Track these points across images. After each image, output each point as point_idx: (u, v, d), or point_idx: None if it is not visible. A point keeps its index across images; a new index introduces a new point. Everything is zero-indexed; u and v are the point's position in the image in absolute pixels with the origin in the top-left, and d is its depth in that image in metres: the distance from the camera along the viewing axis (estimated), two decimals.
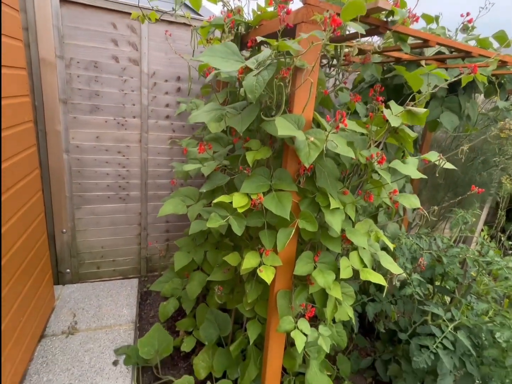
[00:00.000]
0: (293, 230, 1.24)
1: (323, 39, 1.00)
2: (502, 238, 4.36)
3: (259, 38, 1.06)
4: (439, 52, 1.85)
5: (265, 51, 1.13)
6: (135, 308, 2.39)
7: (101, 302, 2.41)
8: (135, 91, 2.50)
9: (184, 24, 2.49)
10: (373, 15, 1.20)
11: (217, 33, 2.40)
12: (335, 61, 2.16)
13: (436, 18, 1.69)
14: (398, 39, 1.32)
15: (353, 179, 1.51)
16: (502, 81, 2.05)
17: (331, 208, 1.20)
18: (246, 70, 1.19)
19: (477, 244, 4.14)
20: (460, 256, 1.84)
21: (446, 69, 1.82)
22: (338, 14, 1.00)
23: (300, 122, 1.15)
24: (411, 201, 1.35)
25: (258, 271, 1.25)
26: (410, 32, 1.27)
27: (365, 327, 2.59)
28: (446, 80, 1.28)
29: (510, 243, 4.45)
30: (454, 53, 1.75)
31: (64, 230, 2.55)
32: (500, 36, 1.84)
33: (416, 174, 1.22)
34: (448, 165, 1.26)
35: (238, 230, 1.25)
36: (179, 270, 1.84)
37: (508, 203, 4.32)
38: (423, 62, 1.61)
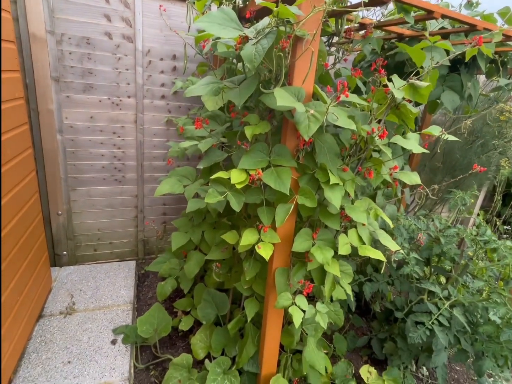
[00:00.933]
0: (292, 206, 1.22)
1: (325, 2, 0.95)
2: (498, 223, 4.40)
3: (258, 1, 1.02)
4: (442, 28, 1.80)
5: (264, 19, 1.09)
6: (133, 289, 2.39)
7: (98, 283, 2.41)
8: (129, 70, 2.43)
9: None
10: None
11: (214, 8, 2.32)
12: (335, 39, 2.11)
13: None
14: (402, 9, 1.27)
15: (353, 159, 1.49)
16: (506, 59, 2.01)
17: (330, 183, 1.18)
18: (245, 41, 1.15)
19: (473, 225, 4.17)
20: (459, 235, 1.84)
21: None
22: None
23: (300, 94, 1.12)
24: (411, 178, 1.34)
25: (256, 247, 1.24)
26: (414, 2, 1.23)
27: (362, 307, 2.63)
28: (448, 54, 1.25)
29: (505, 227, 4.50)
30: (458, 28, 1.71)
31: (60, 212, 2.52)
32: (505, 13, 1.79)
33: (418, 149, 1.20)
34: (451, 138, 1.24)
35: (236, 206, 1.23)
36: (177, 250, 1.83)
37: (504, 187, 4.34)
38: (426, 34, 1.56)
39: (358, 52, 2.46)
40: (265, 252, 1.22)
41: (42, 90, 2.20)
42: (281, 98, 1.04)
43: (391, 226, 1.44)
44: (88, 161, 2.52)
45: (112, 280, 2.47)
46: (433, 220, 2.06)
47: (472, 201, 2.19)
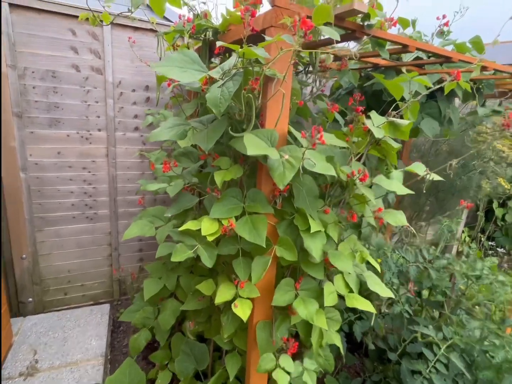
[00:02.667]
0: (270, 259, 1.11)
1: (293, 45, 0.88)
2: (482, 239, 4.41)
3: (219, 43, 0.93)
4: (417, 58, 1.78)
5: (231, 59, 1.00)
6: (106, 338, 2.18)
7: (67, 334, 2.19)
8: (99, 102, 2.31)
9: (151, 30, 2.34)
10: (349, 19, 1.10)
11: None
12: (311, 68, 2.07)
13: (413, 23, 1.62)
14: (376, 44, 1.22)
15: (335, 192, 1.40)
16: (480, 86, 2.01)
17: (311, 231, 1.07)
18: (211, 80, 1.06)
19: (458, 247, 4.14)
20: (449, 267, 1.76)
21: (424, 74, 1.75)
22: (310, 17, 0.89)
23: (273, 138, 1.03)
24: (397, 218, 1.25)
25: (233, 306, 1.10)
26: (388, 37, 1.18)
27: (353, 341, 2.49)
28: (429, 88, 1.20)
29: (489, 243, 4.50)
30: (432, 58, 1.69)
31: (24, 256, 2.31)
32: (476, 42, 1.79)
33: (402, 190, 1.12)
34: (436, 178, 1.17)
35: (208, 261, 1.11)
36: (150, 298, 1.67)
37: (486, 204, 4.37)
38: (403, 69, 1.53)
39: (335, 79, 2.44)
40: (242, 311, 1.09)
41: (3, 127, 2.05)
42: (252, 146, 0.94)
43: (379, 269, 1.34)
44: (56, 200, 2.35)
45: (82, 328, 2.25)
46: (421, 250, 1.98)
47: (458, 228, 2.13)
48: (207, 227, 1.08)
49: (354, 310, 2.02)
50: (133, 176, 2.55)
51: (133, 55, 2.31)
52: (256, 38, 1.13)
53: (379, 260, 1.85)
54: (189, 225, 1.10)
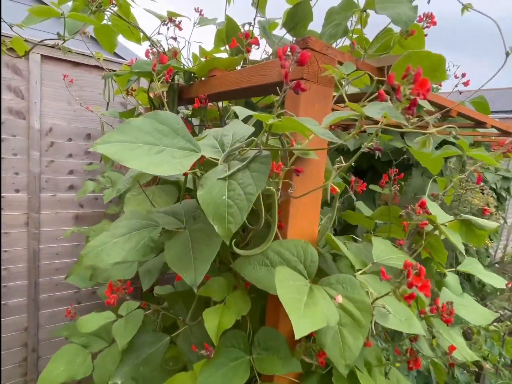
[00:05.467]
0: None
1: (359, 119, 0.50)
2: None
3: (236, 108, 0.52)
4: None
5: (239, 128, 0.59)
6: None
7: None
8: (19, 155, 1.72)
9: (97, 67, 1.87)
10: None
11: (145, 83, 1.84)
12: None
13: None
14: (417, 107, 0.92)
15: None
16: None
17: None
18: (200, 164, 0.63)
19: None
20: None
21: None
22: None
23: (307, 259, 0.61)
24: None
25: None
26: (437, 100, 0.88)
27: None
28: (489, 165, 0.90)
29: None
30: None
31: None
32: (479, 102, 1.64)
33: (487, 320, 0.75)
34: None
35: None
36: None
37: None
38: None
39: None
40: None
41: None
42: (279, 282, 0.51)
43: None
44: None
45: None
46: None
47: None
48: None
49: None
50: (65, 249, 1.92)
51: (71, 97, 1.80)
52: (256, 89, 0.75)
53: None
54: None
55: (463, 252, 0.77)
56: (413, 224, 0.80)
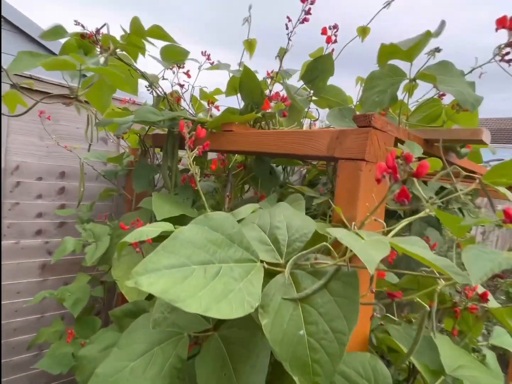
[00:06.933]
0: None
1: None
2: None
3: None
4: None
5: (296, 220, 0.48)
6: None
7: None
8: None
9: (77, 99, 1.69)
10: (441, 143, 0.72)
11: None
12: None
13: None
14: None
15: None
16: None
17: None
18: None
19: None
20: None
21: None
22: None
23: (376, 377, 0.50)
24: None
25: None
26: (470, 167, 0.84)
27: None
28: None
29: None
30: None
31: None
32: (474, 154, 1.69)
33: None
34: None
35: None
36: None
37: None
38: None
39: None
40: None
41: None
42: None
43: None
44: None
45: None
46: None
47: None
48: None
49: None
50: (27, 307, 1.64)
51: (44, 131, 1.60)
52: (289, 156, 0.66)
53: None
54: None
55: None
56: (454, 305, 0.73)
